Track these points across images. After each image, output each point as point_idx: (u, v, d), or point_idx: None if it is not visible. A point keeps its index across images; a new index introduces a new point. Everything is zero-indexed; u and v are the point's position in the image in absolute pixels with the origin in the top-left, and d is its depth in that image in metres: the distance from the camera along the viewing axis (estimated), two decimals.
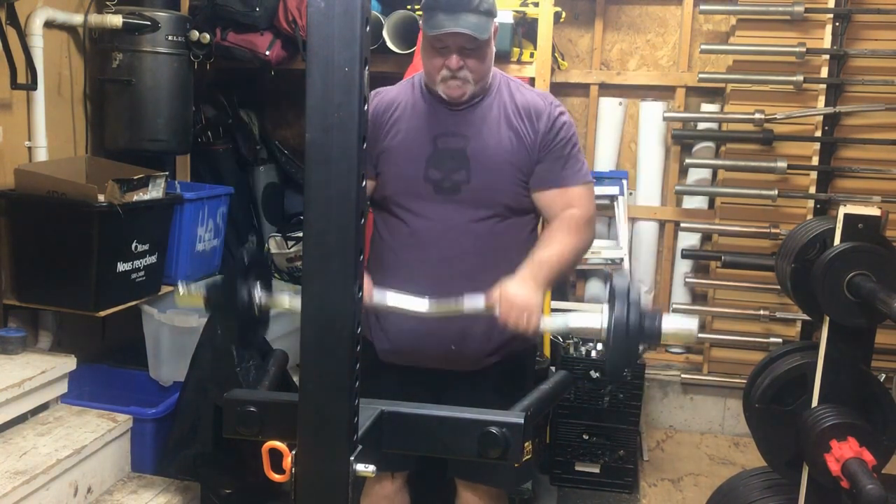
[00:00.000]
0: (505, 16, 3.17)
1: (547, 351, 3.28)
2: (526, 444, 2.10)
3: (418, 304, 1.78)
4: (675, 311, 3.97)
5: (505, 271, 1.90)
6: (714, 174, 3.86)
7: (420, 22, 1.99)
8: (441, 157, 2.00)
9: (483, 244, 2.01)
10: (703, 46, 3.64)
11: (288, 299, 1.71)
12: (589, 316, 1.65)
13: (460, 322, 1.95)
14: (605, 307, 1.58)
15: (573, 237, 1.99)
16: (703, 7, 3.66)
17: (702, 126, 3.86)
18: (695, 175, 3.90)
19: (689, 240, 3.95)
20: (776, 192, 3.56)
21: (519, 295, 1.80)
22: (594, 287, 4.09)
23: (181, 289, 1.78)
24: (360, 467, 1.10)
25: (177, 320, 2.95)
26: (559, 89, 3.93)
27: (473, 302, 1.79)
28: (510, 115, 2.02)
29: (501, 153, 2.00)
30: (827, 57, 3.53)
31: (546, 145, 2.01)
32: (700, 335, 3.84)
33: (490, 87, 2.04)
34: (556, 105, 2.06)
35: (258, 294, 1.68)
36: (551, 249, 1.95)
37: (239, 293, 1.65)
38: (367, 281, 1.87)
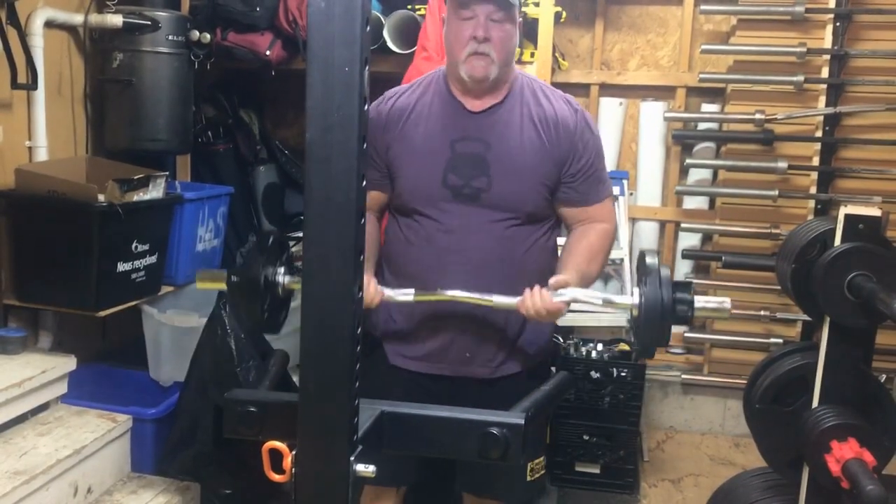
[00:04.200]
0: None
1: None
2: (539, 459, 2.11)
3: (449, 293, 1.84)
4: None
5: (526, 273, 1.93)
6: (714, 174, 3.86)
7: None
8: (460, 162, 1.95)
9: (503, 247, 1.98)
10: (704, 47, 3.64)
11: None
12: (620, 296, 1.76)
13: (477, 328, 1.97)
14: (635, 290, 1.65)
15: (604, 252, 2.05)
16: (703, 7, 3.66)
17: (702, 126, 3.86)
18: (695, 175, 3.90)
19: (689, 240, 3.95)
20: (777, 192, 3.56)
21: (548, 301, 1.82)
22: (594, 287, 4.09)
23: (202, 272, 1.79)
24: (360, 467, 1.10)
25: (177, 320, 2.94)
26: (559, 89, 3.93)
27: (504, 300, 1.84)
28: (535, 122, 1.99)
29: (525, 160, 1.95)
30: (827, 57, 3.53)
31: (572, 164, 2.01)
32: (700, 335, 3.84)
33: (512, 88, 2.00)
34: (584, 117, 2.05)
35: (281, 275, 1.68)
36: (589, 264, 1.99)
37: (262, 274, 1.63)
38: (371, 281, 1.87)
